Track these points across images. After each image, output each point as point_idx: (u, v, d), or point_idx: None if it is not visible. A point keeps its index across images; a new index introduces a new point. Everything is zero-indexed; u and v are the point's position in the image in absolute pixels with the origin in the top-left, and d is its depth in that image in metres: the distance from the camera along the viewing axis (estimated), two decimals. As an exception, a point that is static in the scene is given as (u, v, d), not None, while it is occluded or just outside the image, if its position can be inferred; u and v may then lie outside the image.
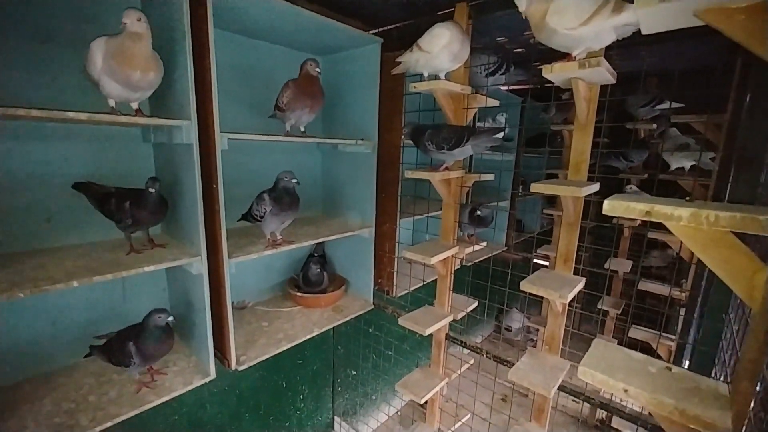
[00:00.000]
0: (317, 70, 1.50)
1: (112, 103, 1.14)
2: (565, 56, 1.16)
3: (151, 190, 1.23)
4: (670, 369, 0.82)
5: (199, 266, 1.29)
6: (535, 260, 3.22)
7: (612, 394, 1.31)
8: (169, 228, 1.50)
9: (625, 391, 0.77)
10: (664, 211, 0.66)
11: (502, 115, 2.60)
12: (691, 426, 0.73)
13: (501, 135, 1.41)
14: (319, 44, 1.82)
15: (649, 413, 1.18)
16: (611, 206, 0.73)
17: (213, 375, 1.39)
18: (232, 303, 1.42)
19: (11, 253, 1.23)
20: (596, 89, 1.29)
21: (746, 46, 0.63)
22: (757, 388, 0.68)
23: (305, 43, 1.79)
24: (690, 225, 0.64)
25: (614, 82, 1.21)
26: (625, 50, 1.59)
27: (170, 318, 1.25)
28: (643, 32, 0.74)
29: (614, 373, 0.81)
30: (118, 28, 1.07)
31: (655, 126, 2.63)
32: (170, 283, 1.61)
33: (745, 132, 1.36)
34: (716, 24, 0.63)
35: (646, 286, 2.43)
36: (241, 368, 1.46)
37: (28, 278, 1.04)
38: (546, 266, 3.09)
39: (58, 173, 1.29)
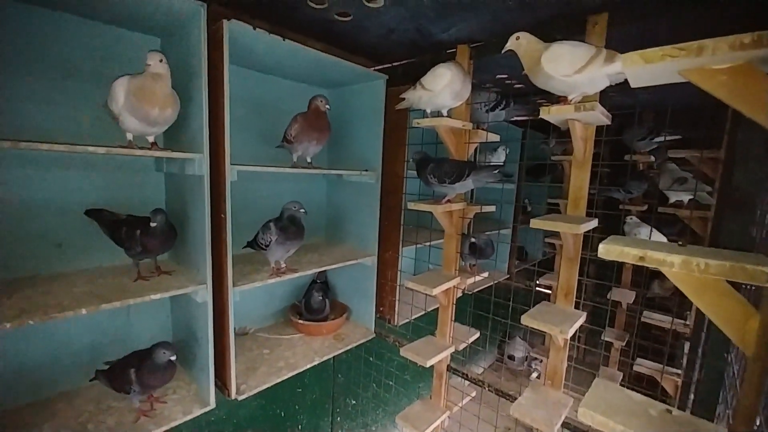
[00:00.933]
0: (327, 106, 1.57)
1: (129, 136, 1.20)
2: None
3: (153, 224, 1.26)
4: (670, 412, 0.82)
5: (204, 294, 1.31)
6: (538, 288, 3.21)
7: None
8: (177, 254, 1.53)
9: (625, 434, 0.78)
10: (657, 257, 0.69)
11: (503, 150, 2.66)
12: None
13: (499, 170, 1.45)
14: (326, 79, 1.90)
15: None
16: (606, 250, 0.76)
17: (213, 404, 1.39)
18: (234, 329, 1.43)
19: (22, 278, 1.26)
20: (592, 128, 1.34)
21: (729, 103, 0.67)
22: (756, 434, 0.68)
23: (313, 77, 1.88)
24: (682, 271, 0.67)
25: (609, 123, 1.27)
26: (620, 87, 1.66)
27: (173, 357, 1.26)
28: (632, 86, 0.79)
29: (614, 415, 0.82)
30: (137, 66, 1.14)
31: (653, 158, 2.68)
32: (174, 309, 1.63)
33: (738, 174, 1.40)
34: (699, 83, 0.68)
35: (650, 317, 2.42)
36: (240, 398, 1.46)
37: (38, 305, 1.07)
38: (549, 293, 3.09)
39: (72, 200, 1.34)
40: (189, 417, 1.33)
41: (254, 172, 1.43)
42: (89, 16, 1.28)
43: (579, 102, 1.16)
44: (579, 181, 1.34)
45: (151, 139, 1.25)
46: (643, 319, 2.39)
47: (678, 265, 0.67)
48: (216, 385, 1.42)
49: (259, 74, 1.79)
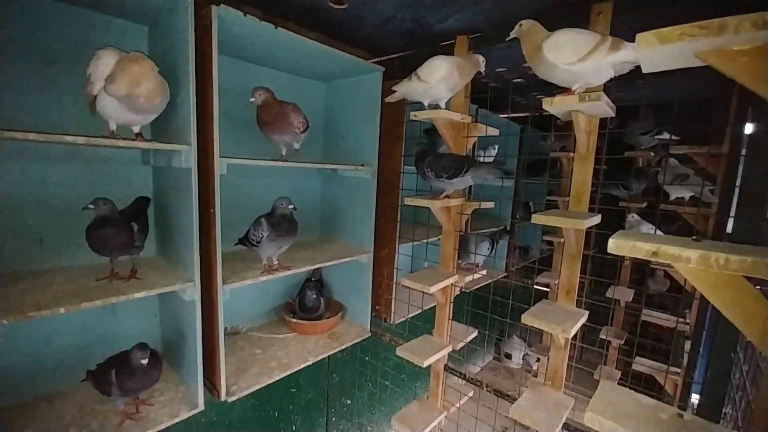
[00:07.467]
0: (251, 99, 1.45)
1: (113, 126, 1.13)
2: (557, 87, 1.17)
3: (91, 206, 1.15)
4: (681, 416, 0.78)
5: (192, 292, 1.26)
6: (536, 286, 3.18)
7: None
8: (164, 251, 1.48)
9: (635, 440, 0.73)
10: (672, 251, 0.64)
11: (494, 148, 2.60)
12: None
13: (502, 168, 1.40)
14: (321, 71, 1.85)
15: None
16: (617, 245, 0.71)
17: (201, 407, 1.34)
18: (225, 328, 1.38)
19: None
20: (596, 121, 1.29)
21: (750, 87, 0.63)
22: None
23: (307, 69, 1.82)
24: (699, 267, 0.62)
25: (614, 115, 1.22)
26: (622, 81, 1.62)
27: (144, 360, 1.18)
28: (644, 71, 0.75)
29: (623, 420, 0.77)
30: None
31: (653, 155, 2.65)
32: (162, 307, 1.57)
33: (747, 167, 1.36)
34: (719, 66, 0.63)
35: (649, 316, 2.39)
36: (231, 399, 1.41)
37: (13, 303, 1.01)
38: (548, 291, 3.05)
39: (55, 194, 1.28)
40: (176, 420, 1.28)
41: (246, 166, 1.37)
42: (72, 2, 1.22)
43: (583, 92, 1.12)
44: (582, 175, 1.30)
45: (136, 129, 1.19)
46: (642, 318, 2.36)
47: (695, 261, 0.62)
48: (205, 386, 1.37)
49: (251, 65, 1.73)
